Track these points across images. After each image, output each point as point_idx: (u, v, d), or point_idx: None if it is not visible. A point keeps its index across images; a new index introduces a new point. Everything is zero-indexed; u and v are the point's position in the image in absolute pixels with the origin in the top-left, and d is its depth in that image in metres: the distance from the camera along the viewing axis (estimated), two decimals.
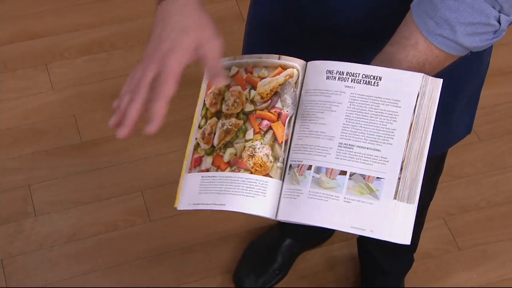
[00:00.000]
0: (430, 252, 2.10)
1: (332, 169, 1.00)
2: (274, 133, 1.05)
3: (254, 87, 1.07)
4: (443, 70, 1.05)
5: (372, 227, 0.97)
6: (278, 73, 1.06)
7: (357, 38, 1.18)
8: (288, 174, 1.03)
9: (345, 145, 1.01)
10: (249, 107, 1.07)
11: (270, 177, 1.03)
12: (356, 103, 1.01)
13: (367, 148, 0.99)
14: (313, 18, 1.20)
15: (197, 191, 1.07)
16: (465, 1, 0.97)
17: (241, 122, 1.06)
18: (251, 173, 1.04)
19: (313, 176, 1.01)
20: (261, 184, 1.03)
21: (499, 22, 0.99)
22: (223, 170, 1.05)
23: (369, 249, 1.95)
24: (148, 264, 2.07)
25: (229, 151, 1.06)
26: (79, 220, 2.13)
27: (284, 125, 1.05)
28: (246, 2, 1.42)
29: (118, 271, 2.05)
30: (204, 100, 1.12)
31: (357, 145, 1.00)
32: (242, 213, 1.03)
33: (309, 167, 1.01)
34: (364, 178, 0.98)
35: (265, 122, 1.05)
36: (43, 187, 2.18)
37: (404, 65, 1.02)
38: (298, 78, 1.06)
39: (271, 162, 1.04)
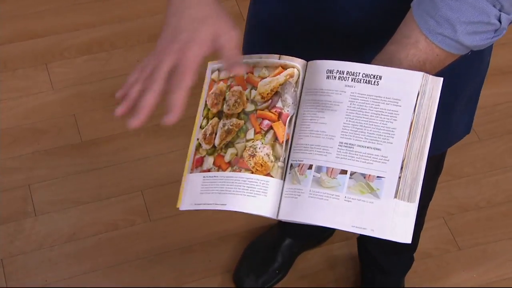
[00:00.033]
0: (430, 252, 2.10)
1: (333, 168, 1.00)
2: (274, 133, 1.05)
3: (254, 87, 1.07)
4: (443, 69, 1.05)
5: (373, 226, 0.97)
6: (279, 73, 1.07)
7: (357, 37, 1.18)
8: (289, 173, 1.03)
9: (345, 144, 1.01)
10: (250, 107, 1.07)
11: (271, 176, 1.03)
12: (357, 102, 1.01)
13: (367, 147, 1.00)
14: (313, 17, 1.20)
15: (199, 191, 1.07)
16: (466, 0, 0.98)
17: (242, 122, 1.07)
18: (252, 173, 1.04)
19: (313, 176, 1.01)
20: (262, 183, 1.03)
21: (499, 20, 0.99)
22: (224, 170, 1.06)
23: (369, 248, 1.95)
24: (148, 263, 2.07)
25: (230, 151, 1.06)
26: (79, 219, 2.13)
27: (285, 125, 1.05)
28: (246, 2, 1.42)
29: (118, 271, 2.05)
30: (206, 101, 1.12)
31: (357, 144, 1.00)
32: (243, 212, 1.03)
33: (310, 167, 1.02)
34: (364, 177, 0.99)
35: (266, 122, 1.06)
36: (43, 186, 2.18)
37: (404, 64, 1.02)
38: (298, 77, 1.06)
39: (272, 161, 1.04)
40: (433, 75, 1.00)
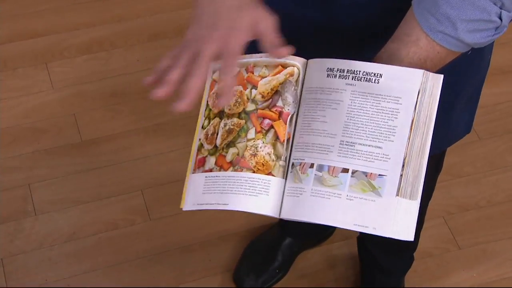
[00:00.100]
0: (430, 251, 2.10)
1: (334, 167, 1.00)
2: (275, 132, 1.05)
3: (255, 87, 1.07)
4: (443, 67, 1.05)
5: (375, 224, 0.97)
6: (279, 72, 1.07)
7: (357, 35, 1.18)
8: (291, 172, 1.03)
9: (346, 143, 1.01)
10: (250, 107, 1.07)
11: (273, 175, 1.03)
12: (357, 100, 1.01)
13: (368, 146, 1.00)
14: (313, 16, 1.20)
15: (201, 192, 1.07)
16: None
17: (242, 121, 1.07)
18: (254, 172, 1.04)
19: (315, 174, 1.01)
20: (264, 183, 1.03)
21: (500, 18, 0.99)
22: (226, 170, 1.06)
23: (369, 248, 1.95)
24: (148, 263, 2.06)
25: (232, 150, 1.06)
26: (79, 219, 2.13)
27: (286, 124, 1.05)
28: None
29: (118, 270, 2.05)
30: (207, 101, 1.12)
31: (358, 143, 1.00)
32: (245, 212, 1.03)
33: (311, 165, 1.02)
34: (366, 176, 0.99)
35: (267, 121, 1.06)
36: (43, 186, 2.18)
37: (405, 62, 1.02)
38: (298, 76, 1.06)
39: (273, 161, 1.04)
40: (433, 73, 1.00)
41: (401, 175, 0.98)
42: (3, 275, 2.02)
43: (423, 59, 1.02)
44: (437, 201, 2.04)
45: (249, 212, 1.03)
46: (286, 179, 1.04)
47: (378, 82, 1.01)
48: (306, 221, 1.00)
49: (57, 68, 2.42)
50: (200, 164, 1.09)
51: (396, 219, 0.97)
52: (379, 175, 0.98)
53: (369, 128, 1.00)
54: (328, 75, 1.04)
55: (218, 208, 1.05)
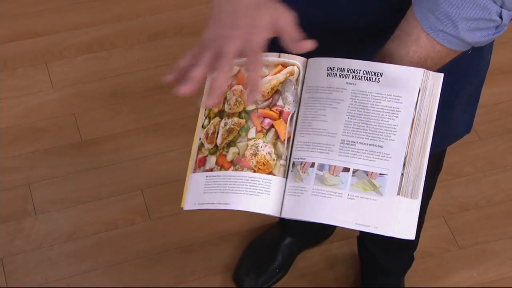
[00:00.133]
0: (430, 251, 2.10)
1: (335, 166, 1.00)
2: (276, 131, 1.05)
3: None
4: (443, 66, 1.05)
5: (376, 223, 0.97)
6: (279, 71, 1.07)
7: (357, 34, 1.18)
8: (291, 171, 1.03)
9: (347, 142, 1.01)
10: (250, 106, 1.07)
11: (274, 175, 1.04)
12: (358, 99, 1.01)
13: (369, 145, 1.00)
14: (313, 15, 1.20)
15: (202, 191, 1.07)
16: None
17: (243, 121, 1.07)
18: (254, 171, 1.04)
19: (316, 173, 1.01)
20: (265, 182, 1.03)
21: (500, 17, 0.99)
22: (226, 169, 1.06)
23: (369, 247, 1.95)
24: (148, 263, 2.06)
25: (232, 150, 1.06)
26: (79, 218, 2.13)
27: (286, 123, 1.05)
28: None
29: (118, 270, 2.05)
30: None
31: (359, 142, 1.00)
32: (246, 211, 1.03)
33: (312, 165, 1.02)
34: (367, 175, 0.99)
35: (267, 121, 1.06)
36: (43, 185, 2.18)
37: (405, 61, 1.02)
38: (298, 75, 1.06)
39: (274, 160, 1.04)
40: (434, 72, 1.00)
41: (402, 174, 0.98)
42: (3, 275, 2.02)
43: (423, 58, 1.02)
44: (437, 201, 2.04)
45: (250, 212, 1.03)
46: (287, 178, 1.04)
47: (378, 81, 1.01)
48: (307, 220, 1.00)
49: (57, 68, 2.42)
50: (201, 164, 1.09)
51: (397, 218, 0.97)
52: (380, 174, 0.98)
53: (369, 127, 1.00)
54: (328, 74, 1.04)
55: (219, 208, 1.05)
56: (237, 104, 1.08)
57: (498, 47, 1.40)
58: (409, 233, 0.97)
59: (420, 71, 0.99)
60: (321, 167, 1.01)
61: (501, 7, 0.98)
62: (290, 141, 1.05)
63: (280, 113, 1.05)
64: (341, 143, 1.01)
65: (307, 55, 1.06)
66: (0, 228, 2.10)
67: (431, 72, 0.99)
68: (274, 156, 1.04)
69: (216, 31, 1.00)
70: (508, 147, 2.29)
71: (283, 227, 2.05)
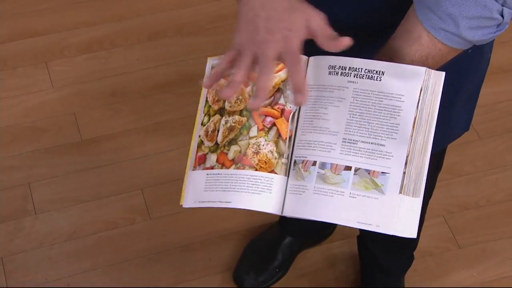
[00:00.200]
0: (430, 250, 2.10)
1: (337, 164, 1.00)
2: (278, 130, 1.05)
3: None
4: (445, 64, 1.05)
5: (378, 222, 0.97)
6: (280, 69, 1.07)
7: (359, 34, 1.18)
8: (293, 170, 1.03)
9: (349, 141, 1.01)
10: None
11: (275, 173, 1.04)
12: (359, 98, 1.02)
13: (371, 143, 1.00)
14: None
15: (202, 189, 1.07)
16: None
17: (244, 119, 1.07)
18: (256, 170, 1.04)
19: (318, 172, 1.01)
20: (267, 180, 1.03)
21: (502, 15, 0.99)
22: (228, 168, 1.06)
23: (369, 247, 1.95)
24: (148, 262, 2.06)
25: (234, 148, 1.06)
26: (79, 218, 2.13)
27: (288, 121, 1.05)
28: None
29: (118, 269, 2.05)
30: (207, 97, 1.12)
31: (361, 140, 1.00)
32: (247, 210, 1.03)
33: (314, 163, 1.02)
34: (369, 173, 0.99)
35: (269, 119, 1.06)
36: (43, 185, 2.18)
37: (407, 59, 1.03)
38: None
39: (275, 158, 1.04)
40: (435, 70, 1.00)
41: (404, 173, 0.98)
42: (3, 274, 2.02)
43: (424, 57, 1.02)
44: (437, 200, 2.04)
45: (251, 210, 1.03)
46: (288, 176, 1.04)
47: (380, 80, 1.01)
48: (309, 218, 1.00)
49: (57, 67, 2.42)
50: (201, 161, 1.09)
51: (399, 217, 0.97)
52: (382, 172, 0.98)
53: (371, 126, 1.00)
54: (330, 73, 1.04)
55: (221, 206, 1.05)
56: (238, 102, 1.08)
57: (498, 46, 1.40)
58: (411, 232, 0.97)
59: (422, 69, 0.99)
60: (323, 165, 1.01)
61: (502, 5, 0.98)
62: (292, 139, 1.05)
63: (282, 111, 1.05)
64: (342, 141, 1.01)
65: (308, 53, 1.06)
66: (0, 227, 2.09)
67: (433, 70, 1.00)
68: (276, 154, 1.04)
69: (252, 36, 1.01)
70: (508, 146, 2.29)
71: (283, 227, 2.05)
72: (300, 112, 1.05)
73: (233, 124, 1.07)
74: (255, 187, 1.03)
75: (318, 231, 2.09)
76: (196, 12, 2.55)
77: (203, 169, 1.08)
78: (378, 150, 0.99)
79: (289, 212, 1.02)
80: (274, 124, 1.05)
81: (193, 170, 1.10)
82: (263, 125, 1.06)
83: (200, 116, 1.12)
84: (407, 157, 0.98)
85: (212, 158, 1.08)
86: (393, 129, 0.99)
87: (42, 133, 2.27)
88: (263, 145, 1.05)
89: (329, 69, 1.04)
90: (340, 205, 0.99)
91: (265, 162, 1.04)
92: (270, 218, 2.09)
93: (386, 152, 0.99)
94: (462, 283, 2.06)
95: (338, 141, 1.01)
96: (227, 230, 2.12)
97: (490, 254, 2.11)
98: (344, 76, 1.03)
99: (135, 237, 2.10)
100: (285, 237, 2.04)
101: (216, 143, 1.08)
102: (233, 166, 1.05)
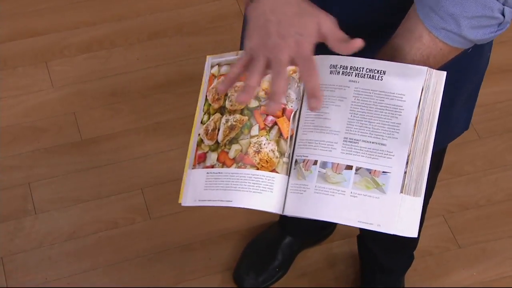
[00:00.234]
0: (430, 250, 2.10)
1: (338, 163, 1.01)
2: (279, 129, 1.05)
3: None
4: (444, 64, 1.05)
5: (379, 221, 0.97)
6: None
7: (360, 34, 1.18)
8: (294, 169, 1.03)
9: (350, 140, 1.01)
10: (253, 103, 1.07)
11: (277, 172, 1.04)
12: (361, 97, 1.02)
13: (372, 143, 1.00)
14: None
15: (203, 187, 1.07)
16: None
17: (245, 118, 1.07)
18: (257, 169, 1.04)
19: (319, 171, 1.01)
20: (268, 180, 1.03)
21: (503, 14, 0.99)
22: (228, 167, 1.06)
23: (369, 246, 1.95)
24: (148, 262, 2.06)
25: (235, 147, 1.06)
26: (79, 218, 2.13)
27: (289, 120, 1.05)
28: None
29: (118, 269, 2.05)
30: (206, 96, 1.12)
31: (362, 140, 1.00)
32: (248, 209, 1.03)
33: (315, 162, 1.02)
34: (370, 173, 0.99)
35: (270, 118, 1.06)
36: (43, 185, 2.18)
37: (408, 59, 1.03)
38: None
39: (277, 157, 1.04)
40: (436, 69, 1.00)
41: (405, 172, 0.98)
42: (3, 274, 2.02)
43: (425, 56, 1.03)
44: (437, 200, 2.04)
45: (252, 209, 1.03)
46: (289, 175, 1.04)
47: (381, 79, 1.01)
48: (310, 218, 1.00)
49: (57, 67, 2.42)
50: (201, 160, 1.09)
51: (400, 216, 0.97)
52: (383, 172, 0.98)
53: (372, 125, 1.00)
54: (331, 72, 1.04)
55: (221, 205, 1.05)
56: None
57: (497, 46, 1.40)
58: (412, 231, 0.97)
59: (423, 69, 0.99)
60: (324, 164, 1.01)
61: (503, 5, 0.99)
62: (293, 138, 1.05)
63: (283, 110, 1.05)
64: (344, 140, 1.01)
65: None
66: (0, 227, 2.09)
67: (434, 70, 1.00)
68: (277, 153, 1.04)
69: (264, 41, 1.01)
70: (507, 146, 2.29)
71: (283, 226, 2.05)
72: (302, 111, 1.05)
73: (234, 123, 1.07)
74: (256, 186, 1.03)
75: (318, 231, 2.09)
76: (196, 12, 2.55)
77: (203, 168, 1.08)
78: (379, 150, 0.99)
79: (290, 211, 1.02)
80: (275, 123, 1.06)
81: (192, 168, 1.10)
82: (265, 124, 1.06)
83: (199, 114, 1.12)
84: (408, 156, 0.99)
85: (213, 157, 1.08)
86: (394, 129, 0.99)
87: (42, 133, 2.27)
88: (264, 144, 1.05)
89: (330, 68, 1.04)
90: (341, 204, 0.99)
91: (267, 161, 1.04)
92: (270, 218, 2.09)
93: (387, 151, 0.99)
94: (462, 283, 2.06)
95: (339, 141, 1.02)
96: (227, 230, 2.12)
97: (490, 254, 2.11)
98: (346, 75, 1.03)
99: (135, 237, 2.10)
100: (285, 237, 2.04)
101: (217, 142, 1.08)
102: (234, 165, 1.05)
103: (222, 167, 1.06)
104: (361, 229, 1.93)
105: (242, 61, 1.03)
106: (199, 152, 1.10)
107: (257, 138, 1.05)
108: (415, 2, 1.04)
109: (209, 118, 1.10)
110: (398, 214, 0.97)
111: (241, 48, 1.43)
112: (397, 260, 1.97)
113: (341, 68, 1.03)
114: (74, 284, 2.02)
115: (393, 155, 0.99)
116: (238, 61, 1.03)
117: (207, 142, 1.09)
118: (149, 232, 2.11)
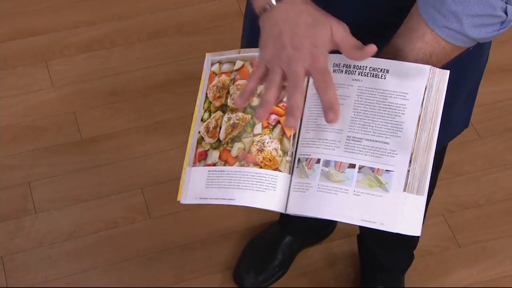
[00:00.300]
0: (430, 249, 2.10)
1: (341, 162, 1.00)
2: (282, 127, 1.05)
3: (260, 81, 1.07)
4: (448, 62, 1.05)
5: (382, 219, 0.97)
6: None
7: (363, 33, 1.18)
8: (297, 167, 1.03)
9: (353, 138, 1.01)
10: (256, 101, 1.07)
11: (280, 171, 1.04)
12: (364, 96, 1.02)
13: (375, 141, 1.00)
14: None
15: (204, 186, 1.07)
16: None
17: (248, 116, 1.07)
18: (260, 167, 1.04)
19: (322, 170, 1.01)
20: (271, 178, 1.03)
21: (506, 13, 0.99)
22: (231, 165, 1.06)
23: (369, 246, 1.95)
24: (148, 261, 2.06)
25: (237, 145, 1.06)
26: (79, 217, 2.12)
27: None
28: None
29: (118, 269, 2.05)
30: (207, 93, 1.12)
31: (365, 138, 1.00)
32: (251, 207, 1.03)
33: (318, 161, 1.02)
34: (373, 171, 0.99)
35: (273, 116, 1.06)
36: (43, 184, 2.17)
37: (410, 57, 1.03)
38: None
39: (280, 156, 1.04)
40: (439, 68, 1.00)
41: (408, 171, 0.98)
42: (3, 273, 2.02)
43: (428, 55, 1.02)
44: (437, 199, 2.04)
45: (254, 208, 1.03)
46: (292, 174, 1.04)
47: (384, 78, 1.01)
48: (313, 216, 1.00)
49: (57, 66, 2.42)
50: (201, 158, 1.09)
51: (403, 214, 0.97)
52: (386, 170, 0.98)
53: (376, 124, 1.00)
54: (334, 71, 1.04)
55: (223, 203, 1.05)
56: None
57: (497, 45, 1.40)
58: (415, 230, 0.97)
59: (426, 67, 0.99)
60: (327, 163, 1.01)
61: (506, 3, 0.98)
62: (296, 137, 1.05)
63: (287, 109, 1.05)
64: (347, 139, 1.01)
65: None
66: (0, 226, 2.09)
67: (437, 69, 1.00)
68: (280, 152, 1.04)
69: (279, 52, 1.01)
70: (507, 145, 2.29)
71: (283, 226, 2.05)
72: (304, 110, 1.05)
73: (236, 121, 1.07)
74: (259, 185, 1.03)
75: (318, 230, 2.09)
76: (196, 11, 2.55)
77: (204, 166, 1.08)
78: (382, 148, 0.99)
79: (293, 210, 1.02)
80: (278, 122, 1.06)
81: (192, 166, 1.09)
82: (268, 122, 1.06)
83: (199, 112, 1.12)
84: (411, 155, 0.99)
85: (214, 155, 1.08)
86: (397, 127, 0.99)
87: (42, 132, 2.27)
88: (267, 143, 1.05)
89: (333, 67, 1.04)
90: (344, 202, 0.99)
91: (270, 159, 1.04)
92: (270, 217, 2.09)
93: (390, 150, 0.99)
94: (462, 282, 2.06)
95: (342, 139, 1.01)
96: (227, 229, 2.12)
97: (490, 253, 2.11)
98: (349, 74, 1.03)
99: (135, 236, 2.10)
100: (285, 236, 2.04)
101: (218, 140, 1.08)
102: (237, 163, 1.05)
103: (225, 165, 1.06)
104: (361, 229, 1.93)
105: (258, 73, 1.03)
106: (200, 150, 1.10)
107: (260, 136, 1.05)
108: (417, 1, 1.04)
109: (210, 116, 1.10)
110: (401, 212, 0.97)
111: (241, 43, 1.44)
112: (397, 259, 1.98)
113: (344, 67, 1.03)
114: (74, 283, 2.02)
115: (396, 154, 0.99)
116: (254, 74, 1.03)
117: (208, 140, 1.09)
118: (149, 232, 2.11)
